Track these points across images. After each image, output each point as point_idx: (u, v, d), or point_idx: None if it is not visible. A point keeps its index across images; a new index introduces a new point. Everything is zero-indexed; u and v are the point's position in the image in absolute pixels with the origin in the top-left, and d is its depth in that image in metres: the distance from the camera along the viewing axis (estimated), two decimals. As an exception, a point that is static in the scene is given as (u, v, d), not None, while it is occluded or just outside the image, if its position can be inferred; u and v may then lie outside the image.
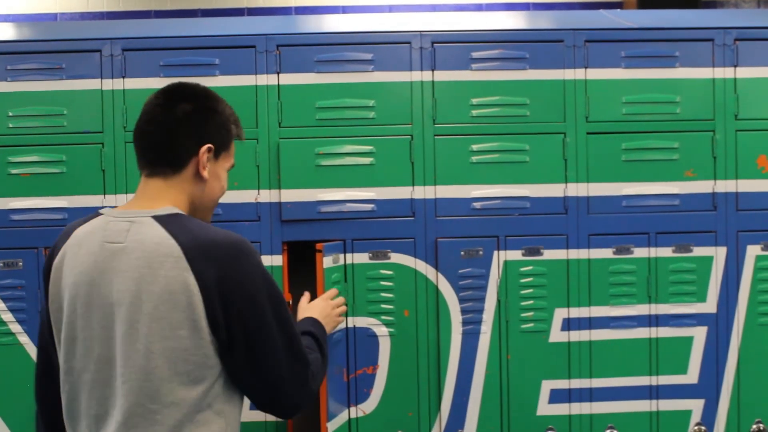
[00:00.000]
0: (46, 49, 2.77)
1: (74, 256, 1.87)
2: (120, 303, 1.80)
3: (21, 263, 2.73)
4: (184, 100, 1.96)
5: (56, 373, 1.96)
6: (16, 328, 2.73)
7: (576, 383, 2.84)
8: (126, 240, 1.83)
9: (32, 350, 2.72)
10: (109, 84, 2.75)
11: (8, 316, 2.73)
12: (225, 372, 1.86)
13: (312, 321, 2.28)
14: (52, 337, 1.95)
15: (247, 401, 1.97)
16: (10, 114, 2.75)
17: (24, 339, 2.72)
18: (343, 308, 2.59)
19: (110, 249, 1.83)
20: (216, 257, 1.80)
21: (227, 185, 2.06)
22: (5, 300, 2.73)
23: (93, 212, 1.95)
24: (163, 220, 1.84)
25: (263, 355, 1.86)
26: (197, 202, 1.98)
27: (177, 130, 1.92)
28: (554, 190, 2.83)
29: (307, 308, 2.43)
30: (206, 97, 2.01)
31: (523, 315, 2.83)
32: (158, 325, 1.78)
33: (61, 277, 1.89)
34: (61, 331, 1.89)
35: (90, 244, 1.86)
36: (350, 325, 2.80)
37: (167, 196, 1.92)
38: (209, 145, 1.94)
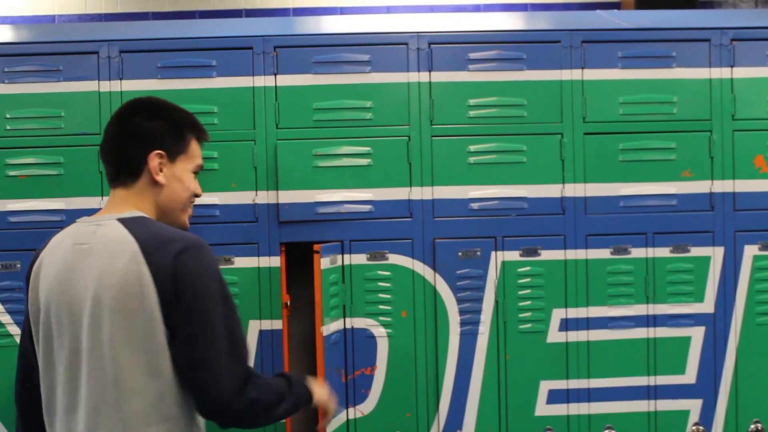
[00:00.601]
0: (44, 51, 2.77)
1: (49, 262, 2.03)
2: (85, 297, 1.95)
3: (18, 265, 2.73)
4: (133, 114, 2.13)
5: (36, 378, 2.09)
6: (13, 329, 2.73)
7: (574, 383, 2.85)
8: (92, 241, 1.99)
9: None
10: (106, 86, 2.75)
11: (6, 318, 2.73)
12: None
13: (305, 378, 2.25)
14: (32, 344, 2.09)
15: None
16: (8, 116, 2.75)
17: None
18: (331, 413, 2.41)
19: (79, 250, 1.99)
20: (171, 252, 1.93)
21: (195, 185, 2.21)
22: (3, 302, 2.73)
23: (87, 216, 2.12)
24: (126, 222, 2.00)
25: (202, 346, 1.94)
26: (163, 205, 2.14)
27: (127, 142, 2.10)
28: (552, 191, 2.83)
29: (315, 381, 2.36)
30: (153, 107, 2.17)
31: (521, 315, 2.83)
32: (118, 315, 1.92)
33: (39, 282, 2.04)
34: (39, 331, 2.03)
35: (62, 248, 2.02)
36: (348, 326, 2.80)
37: (132, 201, 2.09)
38: (158, 151, 2.09)
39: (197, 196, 2.24)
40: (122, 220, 2.00)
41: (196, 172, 2.22)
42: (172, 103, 2.21)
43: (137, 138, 2.09)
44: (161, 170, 2.10)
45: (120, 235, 1.96)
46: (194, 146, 2.20)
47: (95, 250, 1.97)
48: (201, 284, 1.94)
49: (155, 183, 2.10)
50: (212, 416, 2.01)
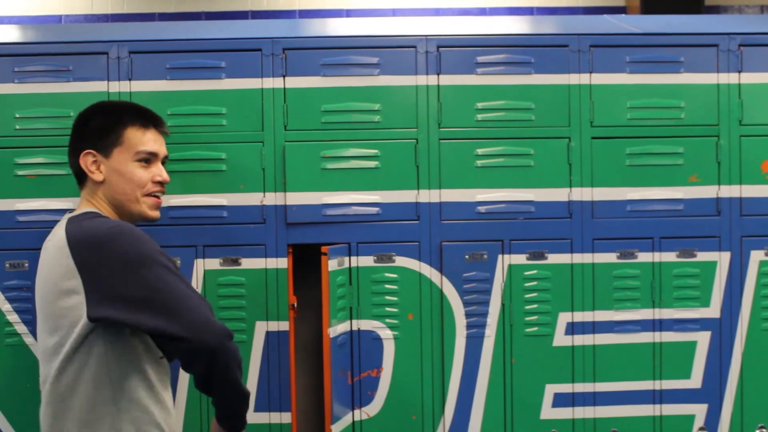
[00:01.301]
0: (53, 51, 2.78)
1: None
2: (38, 295, 2.19)
3: (27, 264, 2.73)
4: (75, 120, 2.33)
5: None
6: (21, 328, 2.73)
7: (580, 387, 2.85)
8: (50, 240, 2.18)
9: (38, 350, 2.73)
10: (115, 86, 2.76)
11: (14, 317, 2.74)
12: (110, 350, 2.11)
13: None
14: None
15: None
16: (17, 116, 2.75)
17: (30, 340, 2.73)
18: None
19: (43, 248, 2.20)
20: (95, 243, 2.05)
21: (143, 174, 2.27)
22: (11, 301, 2.74)
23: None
24: (72, 219, 2.16)
25: (162, 317, 2.05)
26: (113, 201, 2.25)
27: (69, 150, 2.30)
28: (559, 195, 2.84)
29: None
30: (85, 111, 2.32)
31: (527, 319, 2.83)
32: (41, 311, 2.16)
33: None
34: None
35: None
36: (354, 328, 2.80)
37: (88, 200, 2.27)
38: (85, 151, 2.23)
39: (161, 183, 2.31)
40: (71, 218, 2.16)
41: (145, 160, 2.27)
42: (116, 101, 2.41)
43: (72, 144, 2.28)
44: (98, 168, 2.23)
45: (60, 233, 2.12)
46: (132, 135, 2.26)
47: (48, 248, 2.16)
48: (126, 265, 2.05)
49: (99, 181, 2.23)
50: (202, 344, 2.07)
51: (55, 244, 2.11)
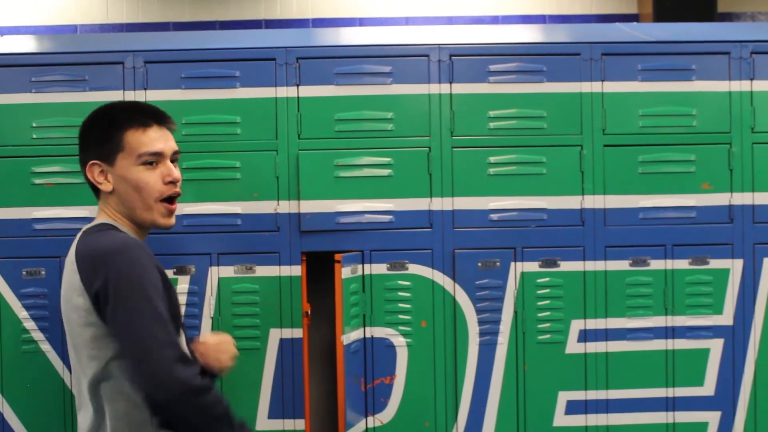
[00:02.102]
0: (70, 61, 2.80)
1: None
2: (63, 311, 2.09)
3: (43, 272, 2.76)
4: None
5: None
6: (38, 335, 2.75)
7: (592, 395, 2.85)
8: (70, 251, 2.08)
9: (54, 358, 2.75)
10: (131, 96, 2.78)
11: (30, 324, 2.76)
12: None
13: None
14: None
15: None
16: (34, 125, 2.78)
17: (46, 347, 2.75)
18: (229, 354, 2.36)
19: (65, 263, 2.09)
20: (97, 260, 1.96)
21: (149, 176, 2.11)
22: (28, 308, 2.76)
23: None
24: (86, 232, 2.08)
25: (125, 342, 1.94)
26: (126, 208, 2.13)
27: (79, 163, 2.18)
28: (571, 202, 2.85)
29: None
30: (85, 122, 2.18)
31: (539, 326, 2.84)
32: (68, 323, 2.04)
33: None
34: None
35: None
36: (368, 335, 2.81)
37: (103, 210, 2.16)
38: (90, 162, 2.12)
39: (172, 181, 2.14)
40: (85, 231, 2.09)
41: (149, 162, 2.11)
42: (114, 102, 2.26)
43: (79, 155, 2.17)
44: (105, 178, 2.11)
45: (73, 247, 2.05)
46: (131, 138, 2.10)
47: (66, 264, 2.06)
48: (116, 286, 1.94)
49: (109, 191, 2.12)
50: (152, 399, 1.93)
51: (69, 258, 2.04)
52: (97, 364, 1.98)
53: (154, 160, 2.11)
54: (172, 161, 2.17)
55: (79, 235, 2.09)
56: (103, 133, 2.11)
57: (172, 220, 2.18)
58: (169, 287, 2.06)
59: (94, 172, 2.11)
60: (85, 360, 2.00)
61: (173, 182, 2.14)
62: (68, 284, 2.02)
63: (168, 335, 1.94)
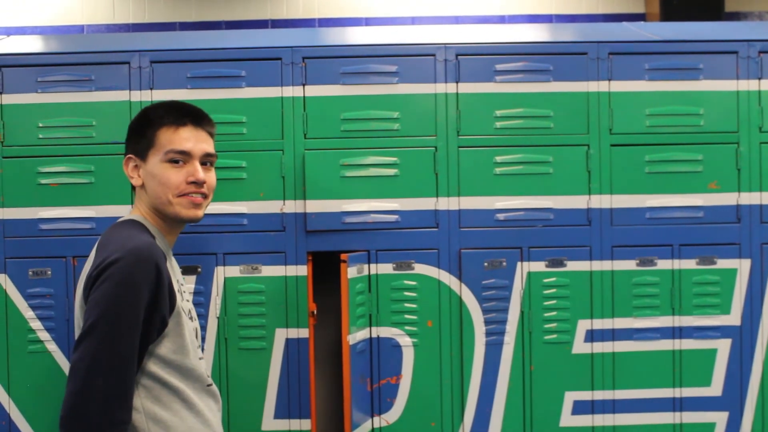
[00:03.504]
0: (76, 61, 2.81)
1: None
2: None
3: (49, 272, 2.76)
4: None
5: None
6: (44, 335, 2.76)
7: (599, 395, 2.84)
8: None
9: (60, 357, 2.76)
10: (137, 96, 2.79)
11: (37, 324, 2.76)
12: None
13: None
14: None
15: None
16: (40, 125, 2.78)
17: (52, 347, 2.76)
18: None
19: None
20: (105, 253, 1.93)
21: (174, 175, 2.08)
22: (34, 308, 2.76)
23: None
24: (113, 225, 2.10)
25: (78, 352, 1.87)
26: (152, 203, 2.12)
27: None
28: (578, 202, 2.84)
29: None
30: (136, 117, 2.19)
31: (546, 326, 2.83)
32: (78, 313, 2.02)
33: None
34: None
35: None
36: (374, 335, 2.81)
37: (137, 205, 2.17)
38: (127, 156, 2.15)
39: (196, 183, 2.09)
40: (112, 225, 2.11)
41: (175, 160, 2.08)
42: (161, 102, 2.21)
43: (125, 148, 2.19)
44: (137, 173, 2.13)
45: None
46: (163, 135, 2.10)
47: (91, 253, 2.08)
48: (98, 300, 1.88)
49: (138, 186, 2.14)
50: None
51: (92, 251, 2.05)
52: None
53: (180, 158, 2.09)
54: (203, 163, 2.14)
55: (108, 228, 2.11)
56: (140, 129, 2.14)
57: (200, 212, 2.13)
58: (160, 289, 1.96)
59: (129, 166, 2.14)
60: None
61: (196, 183, 2.10)
62: (85, 273, 2.02)
63: (108, 389, 1.86)
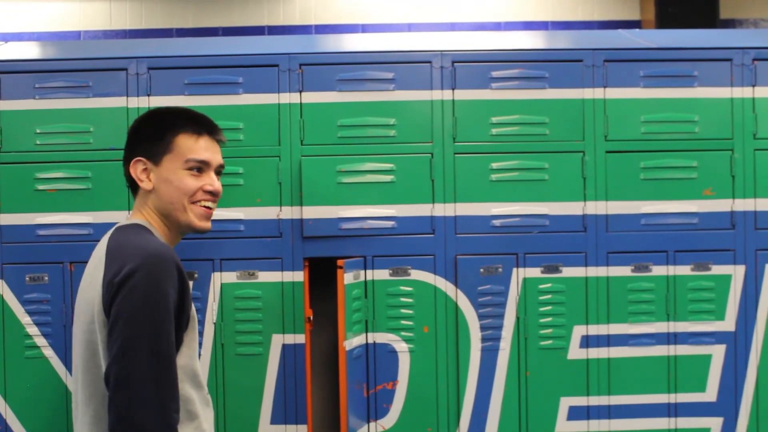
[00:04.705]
0: (74, 67, 2.82)
1: None
2: (77, 304, 2.06)
3: (47, 278, 2.76)
4: (130, 129, 2.20)
5: None
6: (41, 341, 2.76)
7: (594, 400, 2.85)
8: (98, 247, 2.06)
9: (57, 363, 2.76)
10: (134, 102, 2.79)
11: (33, 330, 2.77)
12: None
13: None
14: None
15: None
16: (38, 131, 2.79)
17: (49, 352, 2.76)
18: None
19: (91, 258, 2.07)
20: (123, 262, 1.92)
21: (192, 182, 2.11)
22: (31, 314, 2.77)
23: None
24: (119, 230, 2.06)
25: (122, 369, 1.87)
26: (160, 210, 2.12)
27: (124, 156, 2.17)
28: (573, 208, 2.85)
29: None
30: (142, 117, 2.20)
31: (541, 332, 2.84)
32: (81, 319, 2.00)
33: None
34: None
35: None
36: (370, 341, 2.82)
37: (137, 210, 2.15)
38: (136, 158, 2.12)
39: (212, 193, 2.14)
40: (118, 228, 2.06)
41: (197, 168, 2.12)
42: (170, 107, 2.21)
43: (126, 150, 2.16)
44: (147, 176, 2.11)
45: (103, 244, 2.02)
46: (183, 142, 2.11)
47: (93, 258, 2.04)
48: (127, 307, 1.88)
49: (148, 189, 2.11)
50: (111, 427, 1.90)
51: (98, 253, 2.01)
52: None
53: (199, 167, 2.13)
54: (217, 173, 2.19)
55: (111, 231, 2.06)
56: (157, 132, 2.12)
57: (209, 224, 2.17)
58: (185, 291, 1.99)
59: (137, 169, 2.11)
60: (101, 358, 1.94)
61: (212, 193, 2.15)
62: (92, 278, 1.98)
63: (161, 393, 1.89)
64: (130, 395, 1.85)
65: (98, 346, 1.95)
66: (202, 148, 2.14)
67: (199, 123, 2.17)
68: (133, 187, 2.17)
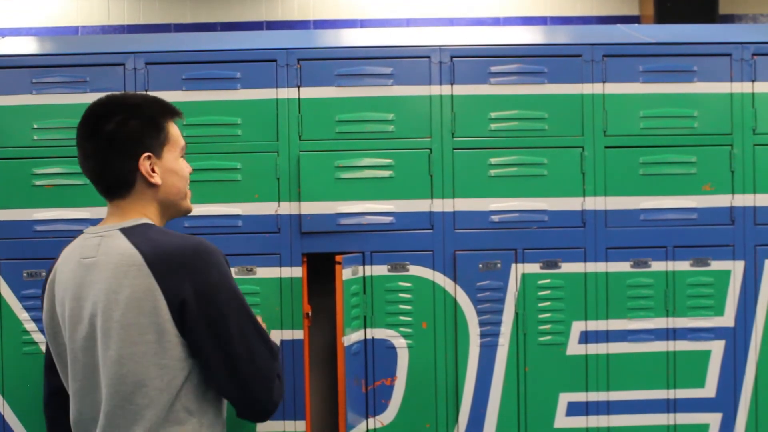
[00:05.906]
0: (71, 62, 2.81)
1: (61, 275, 2.03)
2: (95, 314, 1.93)
3: (44, 273, 2.76)
4: (101, 122, 2.00)
5: (62, 388, 2.12)
6: (39, 337, 2.76)
7: (593, 396, 2.85)
8: (97, 254, 1.96)
9: (54, 359, 2.76)
10: (132, 97, 2.78)
11: (31, 326, 2.76)
12: (197, 372, 1.95)
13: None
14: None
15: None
16: (35, 126, 2.78)
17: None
18: None
19: (85, 264, 1.97)
20: (180, 264, 1.90)
21: (188, 168, 2.15)
22: (28, 309, 2.76)
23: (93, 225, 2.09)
24: (128, 232, 1.96)
25: (228, 358, 1.94)
26: (164, 202, 2.08)
27: (108, 155, 1.99)
28: (572, 204, 2.85)
29: None
30: (118, 108, 2.02)
31: (540, 327, 2.84)
32: (126, 331, 1.90)
33: (54, 294, 2.04)
34: (56, 347, 2.07)
35: (71, 261, 2.01)
36: (369, 336, 2.81)
37: (134, 208, 2.03)
38: (146, 154, 2.00)
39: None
40: (124, 230, 1.96)
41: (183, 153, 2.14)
42: (130, 93, 2.19)
43: (118, 147, 1.98)
44: (154, 171, 2.01)
45: (122, 248, 1.92)
46: (172, 130, 2.08)
47: (101, 263, 1.93)
48: (215, 298, 1.92)
49: (152, 184, 2.02)
50: (253, 419, 2.09)
51: (124, 261, 1.90)
52: (169, 373, 1.91)
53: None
54: None
55: (121, 235, 1.95)
56: (154, 125, 2.03)
57: None
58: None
59: (147, 165, 2.00)
60: (153, 370, 1.90)
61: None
62: (133, 289, 1.88)
63: (268, 351, 2.02)
64: (269, 386, 2.00)
65: (156, 365, 1.90)
66: (181, 132, 2.14)
67: (172, 108, 2.11)
68: (124, 185, 2.01)
